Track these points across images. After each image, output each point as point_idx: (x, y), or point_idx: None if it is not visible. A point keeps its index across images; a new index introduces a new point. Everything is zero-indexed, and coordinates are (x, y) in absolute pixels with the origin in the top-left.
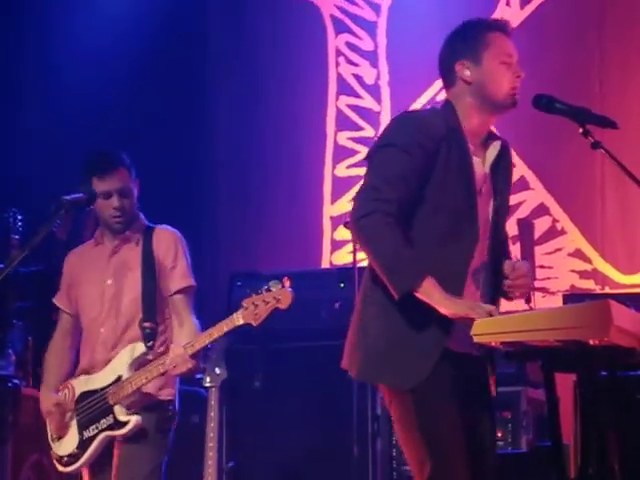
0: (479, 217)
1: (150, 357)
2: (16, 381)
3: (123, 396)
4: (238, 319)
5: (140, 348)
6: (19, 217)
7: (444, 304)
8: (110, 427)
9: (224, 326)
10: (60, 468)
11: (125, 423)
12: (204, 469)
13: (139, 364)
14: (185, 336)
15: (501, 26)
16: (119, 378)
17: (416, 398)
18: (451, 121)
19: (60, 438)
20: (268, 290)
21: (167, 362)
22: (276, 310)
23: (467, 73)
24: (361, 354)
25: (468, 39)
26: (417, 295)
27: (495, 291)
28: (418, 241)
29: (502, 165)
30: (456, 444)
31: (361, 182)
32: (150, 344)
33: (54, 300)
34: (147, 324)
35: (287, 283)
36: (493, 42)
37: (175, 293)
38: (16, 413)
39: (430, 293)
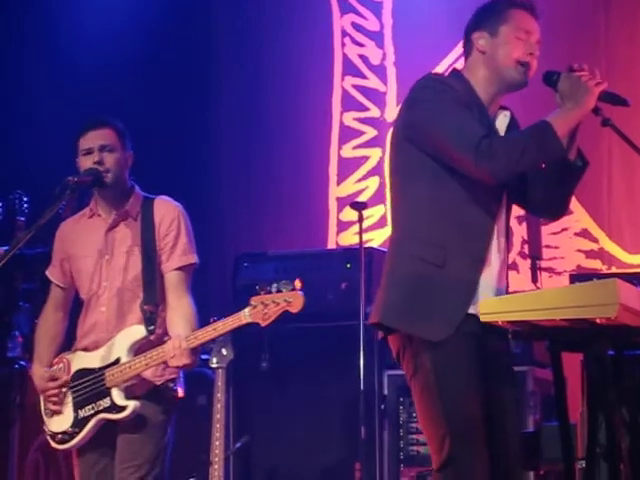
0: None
1: (152, 339)
2: (23, 363)
3: (121, 380)
4: (246, 317)
5: (141, 331)
6: (25, 199)
7: (577, 111)
8: (107, 410)
9: (230, 323)
10: (53, 444)
11: (123, 408)
12: (211, 450)
13: (139, 348)
14: (180, 318)
15: (528, 5)
16: (118, 360)
17: (435, 365)
18: (466, 85)
19: (54, 414)
20: (279, 290)
21: (166, 351)
22: (286, 312)
23: (482, 43)
24: (389, 301)
25: (490, 11)
26: (560, 132)
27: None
28: (446, 198)
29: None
30: (476, 419)
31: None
32: (151, 328)
33: (46, 273)
34: (147, 307)
35: (299, 285)
36: (513, 17)
37: (174, 270)
38: (23, 395)
39: (564, 123)
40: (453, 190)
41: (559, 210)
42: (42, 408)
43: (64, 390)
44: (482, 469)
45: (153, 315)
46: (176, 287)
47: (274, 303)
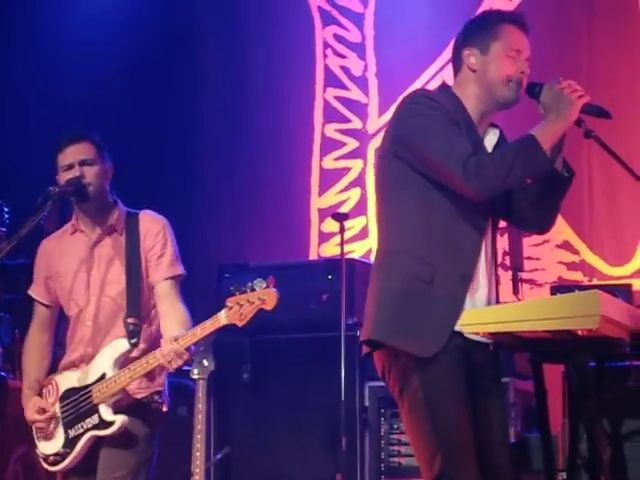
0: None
1: (134, 354)
2: (3, 374)
3: (108, 395)
4: (223, 319)
5: (123, 345)
6: (6, 209)
7: (560, 123)
8: (96, 427)
9: (209, 326)
10: (46, 467)
11: (111, 423)
12: (192, 461)
13: (123, 362)
14: (175, 323)
15: (517, 20)
16: (103, 376)
17: (423, 382)
18: (455, 101)
19: (46, 438)
20: (252, 289)
21: (159, 357)
22: (261, 311)
23: (472, 60)
24: (378, 316)
25: (480, 27)
26: (545, 146)
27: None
28: (435, 215)
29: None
30: (466, 434)
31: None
32: (134, 341)
33: (29, 292)
34: (131, 320)
35: (272, 283)
36: (504, 34)
37: (163, 281)
38: (3, 406)
39: (548, 135)
40: (441, 206)
41: (546, 223)
42: (34, 434)
43: (54, 416)
44: None
45: (136, 328)
46: (168, 295)
47: (249, 302)
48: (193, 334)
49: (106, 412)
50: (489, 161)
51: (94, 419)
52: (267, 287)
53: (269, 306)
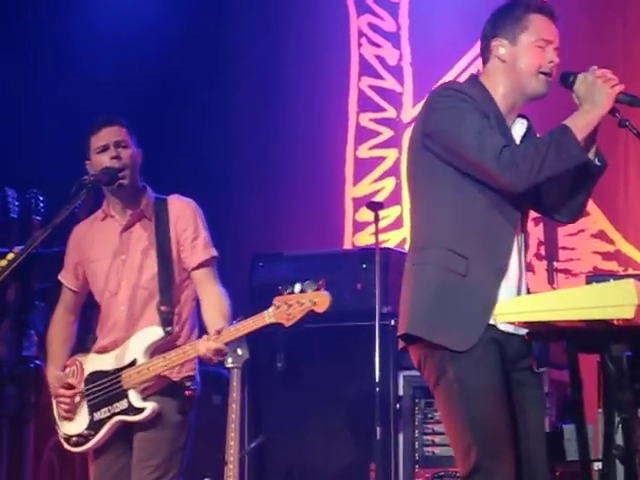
0: None
1: (166, 341)
2: (38, 362)
3: (139, 382)
4: (270, 317)
5: (158, 332)
6: (40, 198)
7: (595, 113)
8: (124, 412)
9: (252, 323)
10: (67, 447)
11: (141, 410)
12: (226, 450)
13: (155, 349)
14: (214, 311)
15: (546, 9)
16: (134, 362)
17: (458, 374)
18: (484, 93)
19: (67, 417)
20: (302, 291)
21: (199, 350)
22: (312, 313)
23: (501, 51)
24: (414, 310)
25: (509, 17)
26: (579, 136)
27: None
28: (468, 207)
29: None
30: (501, 426)
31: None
32: (168, 329)
33: (59, 277)
34: (164, 307)
35: (323, 285)
36: (533, 24)
37: (198, 266)
38: (38, 394)
39: (582, 125)
40: (474, 198)
41: (576, 212)
42: (54, 410)
43: (77, 395)
44: (509, 476)
45: (170, 316)
46: (206, 281)
47: (298, 303)
48: (235, 330)
49: (136, 398)
50: (523, 153)
51: (123, 404)
52: (318, 289)
53: (321, 309)
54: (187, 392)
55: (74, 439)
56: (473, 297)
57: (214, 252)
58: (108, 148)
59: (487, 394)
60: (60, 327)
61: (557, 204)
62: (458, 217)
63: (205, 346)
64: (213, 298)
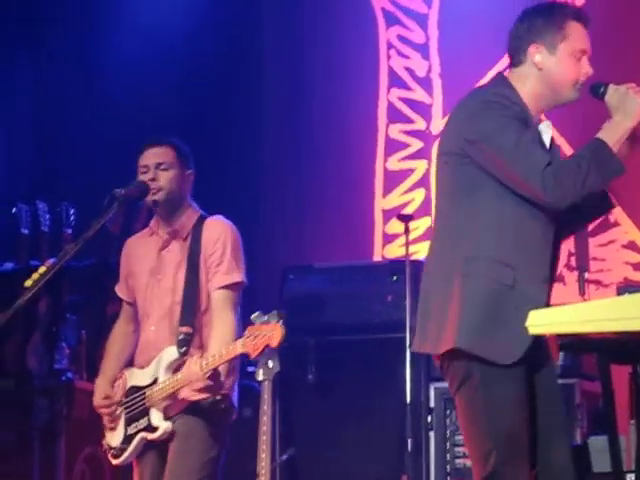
0: None
1: (182, 362)
2: (70, 375)
3: (158, 399)
4: (239, 348)
5: (173, 353)
6: (71, 211)
7: (627, 123)
8: (145, 429)
9: (226, 354)
10: (110, 458)
11: (156, 428)
12: (257, 462)
13: (175, 368)
14: (214, 340)
15: (583, 17)
16: (155, 380)
17: (483, 380)
18: (514, 96)
19: (112, 429)
20: (267, 322)
21: (180, 377)
22: (268, 347)
23: (539, 58)
24: (463, 322)
25: (550, 23)
26: (615, 148)
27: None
28: (510, 217)
29: (553, 146)
30: (520, 435)
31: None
32: (183, 350)
33: (115, 289)
34: (183, 329)
35: (282, 317)
36: (572, 34)
37: (218, 289)
38: (70, 407)
39: (616, 137)
40: (515, 207)
41: (603, 207)
42: (104, 421)
43: (119, 408)
44: None
45: (187, 337)
46: (220, 306)
47: (261, 336)
48: (220, 356)
49: (155, 416)
50: (566, 171)
51: (145, 421)
52: (277, 322)
53: (274, 343)
54: (216, 408)
55: (112, 451)
56: (521, 309)
57: (237, 278)
58: (148, 169)
59: (512, 403)
60: (116, 338)
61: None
62: (501, 227)
63: (190, 369)
64: (221, 324)
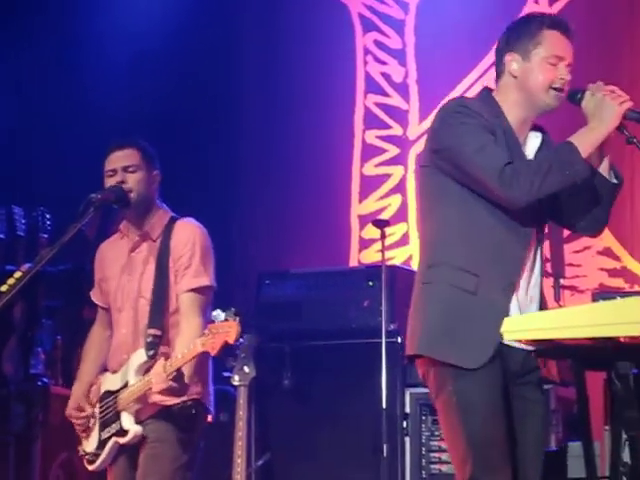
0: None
1: (151, 364)
2: (45, 380)
3: (128, 403)
4: (199, 346)
5: (142, 356)
6: (47, 216)
7: (602, 130)
8: (116, 433)
9: (191, 351)
10: (86, 464)
11: (126, 432)
12: (233, 467)
13: (144, 371)
14: (180, 342)
15: (561, 26)
16: (126, 384)
17: (457, 387)
18: (494, 107)
19: (86, 436)
20: (225, 320)
21: (147, 379)
22: (225, 344)
23: (514, 66)
24: (422, 329)
25: (523, 32)
26: (584, 153)
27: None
28: (476, 224)
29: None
30: (498, 441)
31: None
32: (151, 353)
33: (90, 294)
34: (152, 331)
35: (237, 315)
36: (547, 40)
37: (185, 292)
38: (46, 412)
39: (588, 142)
40: (482, 215)
41: (599, 227)
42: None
43: (92, 416)
44: None
45: (155, 340)
46: (187, 310)
47: (218, 333)
48: (182, 356)
49: (126, 420)
50: (525, 169)
51: (116, 425)
52: (234, 319)
53: (230, 339)
54: (187, 412)
55: (87, 457)
56: (484, 315)
57: (205, 282)
58: (116, 172)
59: (486, 408)
60: (92, 344)
61: (579, 219)
62: (466, 234)
63: (155, 370)
64: (188, 327)
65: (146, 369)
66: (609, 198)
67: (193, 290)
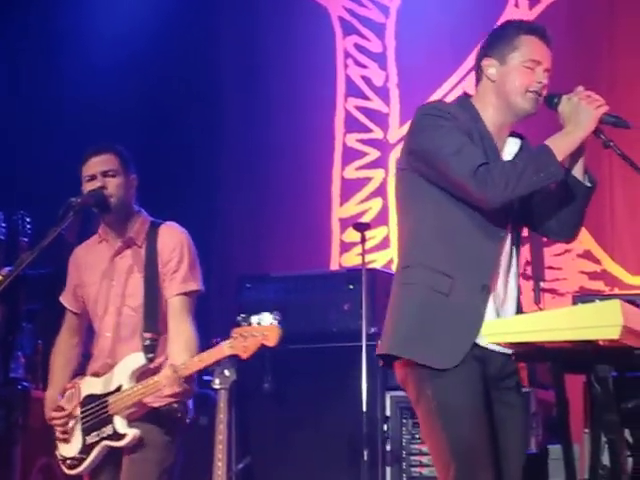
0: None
1: (152, 367)
2: (26, 384)
3: (123, 407)
4: (226, 349)
5: (140, 359)
6: (27, 220)
7: (578, 133)
8: (109, 437)
9: (214, 354)
10: (64, 469)
11: (123, 435)
12: (214, 471)
13: (140, 375)
14: (178, 346)
15: (538, 31)
16: (119, 388)
17: (436, 391)
18: (471, 112)
19: (65, 440)
20: (258, 323)
21: (159, 380)
22: (263, 346)
23: (491, 71)
24: (396, 330)
25: (500, 38)
26: (560, 156)
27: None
28: (451, 226)
29: None
30: (480, 445)
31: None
32: (150, 356)
33: (60, 298)
34: (148, 335)
35: (278, 318)
36: (523, 45)
37: (175, 296)
38: (26, 416)
39: (564, 145)
40: (457, 217)
41: (570, 232)
42: (56, 433)
43: (73, 419)
44: None
45: (153, 343)
46: (177, 313)
47: (253, 336)
48: (200, 359)
49: (120, 424)
50: (499, 170)
51: (109, 429)
52: (272, 323)
53: (271, 343)
54: (174, 415)
55: (68, 462)
56: (457, 316)
57: (194, 286)
58: (95, 178)
59: (466, 412)
60: (62, 349)
61: (551, 224)
62: (441, 235)
63: (165, 373)
64: (180, 331)
65: (141, 373)
66: (583, 201)
67: (183, 294)
